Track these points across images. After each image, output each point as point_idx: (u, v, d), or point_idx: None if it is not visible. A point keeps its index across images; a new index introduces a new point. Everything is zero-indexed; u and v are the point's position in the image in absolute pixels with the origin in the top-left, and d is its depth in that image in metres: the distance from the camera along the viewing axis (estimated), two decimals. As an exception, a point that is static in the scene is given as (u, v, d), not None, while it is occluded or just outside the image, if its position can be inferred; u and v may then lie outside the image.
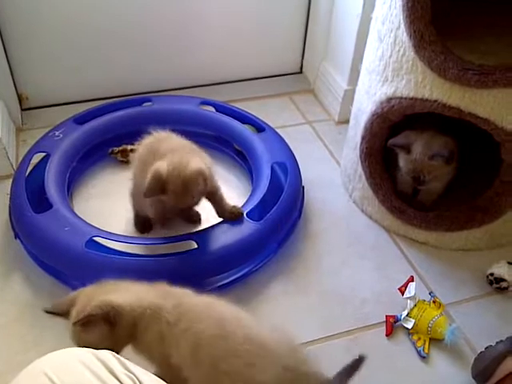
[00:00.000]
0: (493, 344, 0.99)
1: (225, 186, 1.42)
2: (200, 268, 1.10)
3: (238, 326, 0.81)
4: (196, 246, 1.10)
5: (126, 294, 0.84)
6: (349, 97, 1.54)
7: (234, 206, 1.17)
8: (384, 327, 1.11)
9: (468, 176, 1.31)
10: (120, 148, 1.46)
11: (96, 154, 1.46)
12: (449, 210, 1.27)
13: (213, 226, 1.16)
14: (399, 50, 1.11)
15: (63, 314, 0.84)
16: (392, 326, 1.10)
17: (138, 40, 1.65)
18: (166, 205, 1.09)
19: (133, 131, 1.45)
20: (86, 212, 1.28)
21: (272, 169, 1.29)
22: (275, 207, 1.19)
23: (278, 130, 1.47)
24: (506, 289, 1.18)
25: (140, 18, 1.61)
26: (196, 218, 1.29)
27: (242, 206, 1.20)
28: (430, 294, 1.16)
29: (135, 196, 1.22)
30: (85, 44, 1.61)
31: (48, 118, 1.61)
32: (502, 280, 1.18)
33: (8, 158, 1.41)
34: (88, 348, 0.79)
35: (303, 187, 1.35)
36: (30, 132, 1.57)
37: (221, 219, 1.18)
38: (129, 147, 1.45)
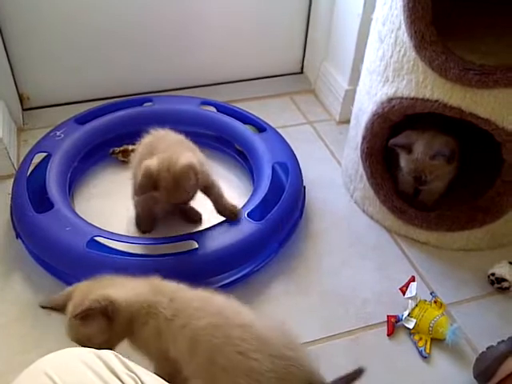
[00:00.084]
0: (494, 344, 0.99)
1: (226, 186, 1.42)
2: (201, 268, 1.10)
3: (233, 314, 0.82)
4: (197, 246, 1.10)
5: (122, 289, 0.84)
6: (350, 97, 1.54)
7: (233, 205, 1.17)
8: (385, 327, 1.10)
9: (469, 176, 1.31)
10: (121, 148, 1.46)
11: (97, 153, 1.46)
12: (450, 209, 1.27)
13: (213, 226, 1.16)
14: (400, 51, 1.11)
15: (59, 308, 0.84)
16: (393, 325, 1.10)
17: (139, 40, 1.65)
18: (158, 203, 1.09)
19: (134, 131, 1.45)
20: (87, 212, 1.28)
21: (273, 169, 1.29)
22: (276, 207, 1.19)
23: (278, 130, 1.47)
24: (507, 289, 1.18)
25: (140, 18, 1.61)
26: (196, 218, 1.30)
27: (243, 206, 1.20)
28: (431, 293, 1.16)
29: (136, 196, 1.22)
30: (85, 44, 1.61)
31: (49, 117, 1.61)
32: (504, 280, 1.18)
33: (9, 157, 1.41)
34: (84, 341, 0.80)
35: (304, 187, 1.35)
36: (31, 132, 1.57)
37: (221, 219, 1.18)
38: (130, 147, 1.45)
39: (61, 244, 1.10)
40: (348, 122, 1.45)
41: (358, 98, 1.36)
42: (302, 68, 1.93)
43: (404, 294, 1.13)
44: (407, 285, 1.14)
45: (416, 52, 1.08)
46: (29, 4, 1.49)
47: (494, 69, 1.02)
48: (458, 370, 1.04)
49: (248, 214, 1.17)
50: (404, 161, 1.20)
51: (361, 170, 1.34)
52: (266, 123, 1.47)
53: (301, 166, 1.35)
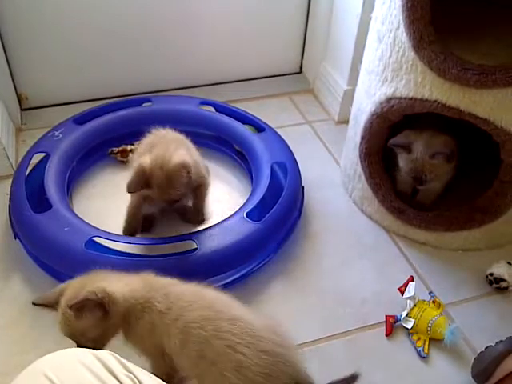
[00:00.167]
0: (492, 344, 0.99)
1: (225, 186, 1.42)
2: (200, 268, 1.10)
3: (224, 308, 0.83)
4: (196, 246, 1.10)
5: (117, 283, 0.85)
6: (348, 97, 1.55)
7: (206, 214, 1.21)
8: (384, 327, 1.11)
9: (467, 176, 1.31)
10: (120, 148, 1.46)
11: (96, 154, 1.46)
12: (448, 210, 1.27)
13: (213, 226, 1.16)
14: (399, 51, 1.11)
15: (52, 305, 0.84)
16: (392, 326, 1.10)
17: (138, 40, 1.65)
18: (152, 202, 1.09)
19: (132, 131, 1.46)
20: (86, 212, 1.28)
21: (272, 169, 1.29)
22: (275, 207, 1.19)
23: (277, 130, 1.47)
24: (505, 289, 1.19)
25: (140, 18, 1.61)
26: (200, 218, 1.29)
27: (242, 206, 1.21)
28: (429, 293, 1.16)
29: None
30: (85, 44, 1.61)
31: (48, 118, 1.61)
32: (502, 280, 1.18)
33: (8, 158, 1.41)
34: (77, 336, 0.80)
35: (303, 187, 1.35)
36: (30, 132, 1.57)
37: (219, 220, 1.18)
38: (128, 147, 1.45)
39: (59, 244, 1.09)
40: (347, 122, 1.45)
41: (356, 97, 1.36)
42: (301, 68, 1.93)
43: (402, 294, 1.13)
44: (406, 285, 1.14)
45: (415, 52, 1.08)
46: (27, 4, 1.49)
47: (492, 69, 1.02)
48: (457, 369, 1.04)
49: (247, 214, 1.17)
50: (403, 161, 1.20)
51: (359, 169, 1.34)
52: (264, 123, 1.47)
53: (299, 166, 1.35)
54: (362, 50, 1.30)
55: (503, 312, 1.15)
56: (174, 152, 1.04)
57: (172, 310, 0.82)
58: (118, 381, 0.54)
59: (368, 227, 1.35)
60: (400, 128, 1.21)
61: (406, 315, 1.10)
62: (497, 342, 0.99)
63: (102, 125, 1.43)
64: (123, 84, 1.71)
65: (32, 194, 1.21)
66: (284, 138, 1.43)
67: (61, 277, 1.12)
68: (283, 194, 1.23)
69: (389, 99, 1.17)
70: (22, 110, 1.64)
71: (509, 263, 1.21)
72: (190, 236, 1.13)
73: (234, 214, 1.18)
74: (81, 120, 1.42)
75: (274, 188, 1.26)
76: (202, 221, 1.25)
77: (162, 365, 0.86)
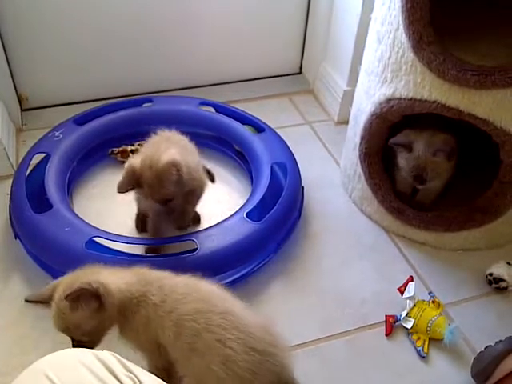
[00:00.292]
0: (492, 344, 1.00)
1: (225, 186, 1.43)
2: (200, 268, 1.09)
3: (218, 301, 0.83)
4: (196, 247, 1.10)
5: (112, 277, 0.85)
6: (348, 97, 1.55)
7: (190, 222, 1.22)
8: (384, 327, 1.11)
9: (467, 176, 1.31)
10: (120, 148, 1.46)
11: (96, 154, 1.46)
12: (448, 210, 1.27)
13: (212, 227, 1.16)
14: (398, 51, 1.11)
15: (45, 301, 0.83)
16: (392, 325, 1.10)
17: (138, 40, 1.65)
18: (147, 201, 1.09)
19: (133, 132, 1.46)
20: (86, 212, 1.28)
21: (272, 169, 1.30)
22: (275, 207, 1.20)
23: (277, 131, 1.47)
24: (505, 289, 1.19)
25: (140, 18, 1.61)
26: (194, 218, 1.29)
27: (242, 207, 1.21)
28: (429, 293, 1.16)
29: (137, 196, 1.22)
30: (85, 44, 1.61)
31: (48, 118, 1.61)
32: (502, 280, 1.18)
33: (8, 158, 1.41)
34: (72, 330, 0.80)
35: (303, 187, 1.35)
36: (30, 132, 1.57)
37: (219, 220, 1.18)
38: (129, 148, 1.45)
39: (60, 244, 1.10)
40: (346, 122, 1.46)
41: (356, 98, 1.36)
42: (301, 68, 1.93)
43: (402, 294, 1.13)
44: (405, 285, 1.14)
45: (414, 53, 1.08)
46: (28, 4, 1.49)
47: (492, 70, 1.02)
48: (456, 369, 1.05)
49: (247, 215, 1.17)
50: (404, 160, 1.20)
51: (359, 170, 1.34)
52: (264, 124, 1.47)
53: (299, 166, 1.35)
54: (362, 50, 1.31)
55: (503, 312, 1.16)
56: (163, 151, 1.05)
57: (166, 302, 0.82)
58: (119, 381, 0.54)
59: (368, 227, 1.35)
60: (399, 128, 1.22)
61: (406, 315, 1.10)
62: (496, 342, 1.00)
63: (102, 125, 1.43)
64: (123, 84, 1.71)
65: (32, 194, 1.21)
66: (284, 138, 1.43)
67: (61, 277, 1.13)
68: (283, 194, 1.24)
69: (388, 100, 1.17)
70: (22, 110, 1.65)
71: (508, 263, 1.21)
72: (190, 236, 1.14)
73: (234, 215, 1.18)
74: (81, 120, 1.42)
75: (274, 188, 1.26)
76: (182, 227, 1.23)
77: (158, 360, 0.86)
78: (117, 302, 0.82)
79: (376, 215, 1.36)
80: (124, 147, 1.46)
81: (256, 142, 1.39)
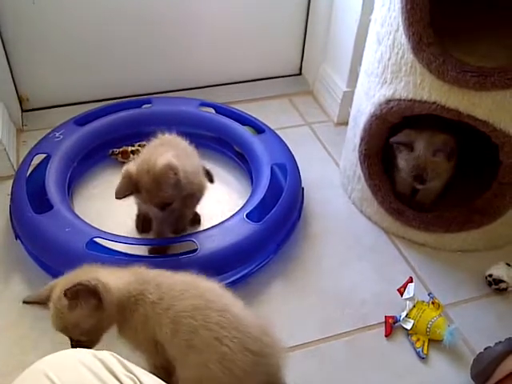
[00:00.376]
0: (492, 345, 1.00)
1: (225, 187, 1.43)
2: (200, 269, 1.09)
3: (215, 298, 0.83)
4: (196, 247, 1.11)
5: (110, 276, 0.85)
6: (348, 98, 1.55)
7: (186, 227, 1.21)
8: (383, 328, 1.11)
9: (466, 178, 1.32)
10: (120, 149, 1.47)
11: (96, 155, 1.46)
12: (447, 211, 1.27)
13: (213, 227, 1.16)
14: (398, 53, 1.11)
15: (43, 302, 0.83)
16: (391, 326, 1.11)
17: (139, 41, 1.65)
18: (146, 205, 1.09)
19: (133, 132, 1.47)
20: (87, 213, 1.28)
21: (272, 170, 1.30)
22: (275, 208, 1.20)
23: (277, 132, 1.47)
24: (504, 290, 1.19)
25: (140, 19, 1.61)
26: (195, 219, 1.29)
27: (242, 207, 1.21)
28: (428, 294, 1.17)
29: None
30: (85, 45, 1.61)
31: (48, 119, 1.61)
32: (501, 281, 1.18)
33: (9, 159, 1.42)
34: (71, 329, 0.80)
35: (303, 188, 1.35)
36: (31, 133, 1.58)
37: (219, 220, 1.18)
38: (129, 148, 1.46)
39: (60, 245, 1.10)
40: (346, 123, 1.46)
41: (356, 99, 1.36)
42: (301, 70, 1.93)
43: (402, 295, 1.13)
44: (405, 286, 1.14)
45: (414, 54, 1.08)
46: (28, 5, 1.49)
47: (491, 71, 1.03)
48: (456, 370, 1.05)
49: (247, 215, 1.17)
50: (404, 160, 1.21)
51: (359, 171, 1.35)
52: (264, 125, 1.48)
53: (299, 167, 1.36)
54: (362, 51, 1.31)
55: (502, 313, 1.16)
56: (159, 155, 1.05)
57: (164, 299, 0.82)
58: (119, 381, 0.54)
59: (367, 228, 1.36)
60: (399, 130, 1.22)
61: (406, 316, 1.10)
62: (496, 343, 1.00)
63: (102, 126, 1.43)
64: (124, 85, 1.71)
65: (33, 194, 1.21)
66: (284, 139, 1.43)
67: (61, 277, 1.13)
68: (283, 195, 1.24)
69: (388, 101, 1.17)
70: (22, 111, 1.65)
71: (508, 264, 1.21)
72: (191, 237, 1.14)
73: (234, 215, 1.19)
74: (81, 121, 1.42)
75: (274, 189, 1.26)
76: (178, 231, 1.23)
77: (156, 358, 0.86)
78: (115, 300, 0.82)
79: (376, 216, 1.36)
80: (124, 148, 1.47)
81: (256, 142, 1.39)
